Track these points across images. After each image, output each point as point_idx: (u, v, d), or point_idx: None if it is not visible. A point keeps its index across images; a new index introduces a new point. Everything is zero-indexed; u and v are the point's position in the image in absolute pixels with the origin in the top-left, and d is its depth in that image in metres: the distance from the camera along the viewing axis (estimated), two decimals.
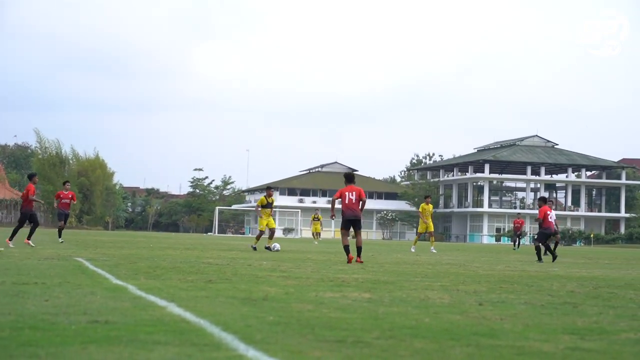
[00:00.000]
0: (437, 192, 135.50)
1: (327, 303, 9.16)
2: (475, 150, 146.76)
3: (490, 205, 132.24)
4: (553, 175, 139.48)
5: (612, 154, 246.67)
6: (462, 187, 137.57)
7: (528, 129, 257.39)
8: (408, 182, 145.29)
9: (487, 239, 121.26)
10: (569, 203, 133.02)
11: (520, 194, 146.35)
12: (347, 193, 20.43)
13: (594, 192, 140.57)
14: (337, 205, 20.71)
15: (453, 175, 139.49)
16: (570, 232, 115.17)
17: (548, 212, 26.55)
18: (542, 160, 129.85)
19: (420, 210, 35.77)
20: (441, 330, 7.16)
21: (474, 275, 16.17)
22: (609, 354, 6.10)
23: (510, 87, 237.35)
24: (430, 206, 35.77)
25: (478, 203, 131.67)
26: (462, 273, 16.80)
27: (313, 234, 55.65)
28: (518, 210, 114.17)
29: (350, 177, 21.13)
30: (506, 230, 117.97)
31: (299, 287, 11.38)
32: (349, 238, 20.43)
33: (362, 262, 19.94)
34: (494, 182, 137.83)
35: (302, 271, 15.50)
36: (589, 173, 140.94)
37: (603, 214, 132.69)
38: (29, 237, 25.59)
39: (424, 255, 28.26)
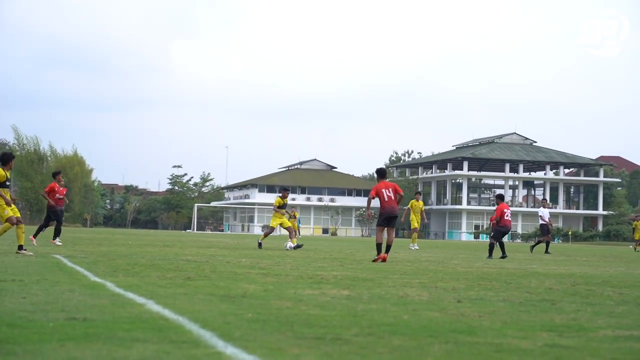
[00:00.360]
0: (416, 189, 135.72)
1: (306, 300, 9.15)
2: (454, 148, 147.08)
3: (468, 203, 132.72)
4: (531, 173, 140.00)
5: (590, 152, 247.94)
6: (440, 184, 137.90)
7: (506, 126, 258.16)
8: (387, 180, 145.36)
9: (465, 236, 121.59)
10: (547, 200, 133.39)
11: (498, 192, 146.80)
12: (384, 190, 20.05)
13: (572, 190, 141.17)
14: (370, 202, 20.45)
15: (432, 173, 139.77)
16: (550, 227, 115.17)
17: (505, 210, 26.59)
18: (521, 158, 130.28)
19: (409, 206, 35.77)
20: (420, 327, 7.17)
21: (453, 272, 16.21)
22: (587, 351, 6.13)
23: (489, 85, 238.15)
24: (421, 202, 35.82)
25: (457, 200, 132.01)
26: (441, 270, 16.83)
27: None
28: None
29: (382, 172, 20.77)
30: (485, 227, 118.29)
31: (277, 284, 11.37)
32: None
33: (386, 258, 19.75)
34: (473, 179, 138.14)
35: (281, 268, 15.49)
36: (567, 170, 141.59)
37: (581, 211, 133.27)
38: (55, 237, 25.45)
39: (403, 253, 28.30)
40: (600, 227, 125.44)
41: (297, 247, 27.55)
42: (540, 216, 35.05)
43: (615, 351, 6.17)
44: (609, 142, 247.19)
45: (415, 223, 35.39)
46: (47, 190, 26.54)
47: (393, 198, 20.02)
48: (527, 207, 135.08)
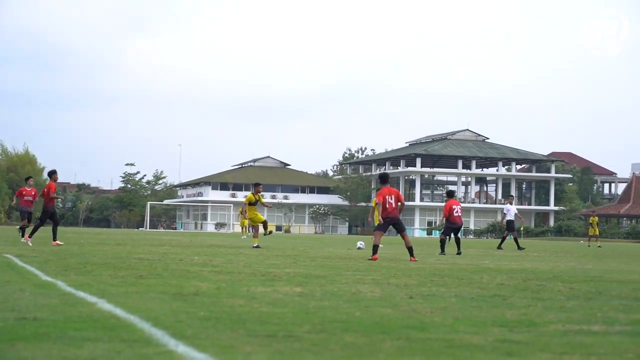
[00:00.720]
0: (370, 186, 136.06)
1: (258, 298, 9.14)
2: (407, 145, 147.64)
3: (421, 199, 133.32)
4: (484, 169, 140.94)
5: (542, 148, 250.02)
6: (394, 180, 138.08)
7: (459, 123, 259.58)
8: (340, 177, 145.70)
9: (419, 232, 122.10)
10: (500, 196, 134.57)
11: (450, 188, 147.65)
12: (387, 197, 20.37)
13: (524, 186, 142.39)
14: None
15: (385, 169, 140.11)
16: (500, 225, 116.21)
17: (454, 207, 26.72)
18: (473, 154, 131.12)
19: (373, 205, 35.66)
20: (372, 323, 7.18)
21: (405, 268, 16.27)
22: (537, 346, 6.17)
23: (441, 82, 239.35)
24: None
25: (410, 197, 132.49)
26: (394, 267, 16.88)
27: (242, 228, 55.36)
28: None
29: (385, 177, 21.15)
30: (437, 223, 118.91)
31: (230, 282, 11.34)
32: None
33: (416, 260, 20.02)
34: (426, 176, 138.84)
35: (234, 266, 15.46)
36: (519, 167, 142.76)
37: (533, 207, 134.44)
38: (54, 239, 25.23)
39: (355, 250, 28.32)
40: (551, 222, 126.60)
41: (257, 247, 27.31)
42: (506, 213, 35.54)
43: (565, 345, 6.22)
44: (561, 139, 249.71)
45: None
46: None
47: (394, 206, 20.36)
48: (479, 203, 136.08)
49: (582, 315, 8.18)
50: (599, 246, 48.56)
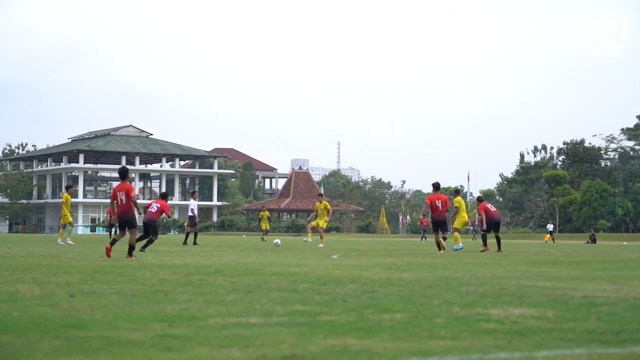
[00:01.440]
0: (31, 183, 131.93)
1: None
2: (70, 141, 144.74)
3: (85, 196, 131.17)
4: (148, 165, 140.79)
5: (205, 144, 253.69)
6: (56, 177, 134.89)
7: (123, 119, 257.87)
8: (0, 173, 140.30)
9: (82, 229, 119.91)
10: (197, 193, 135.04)
11: (116, 184, 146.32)
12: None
13: (187, 181, 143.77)
14: None
15: (47, 166, 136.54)
16: (164, 221, 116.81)
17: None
18: (137, 150, 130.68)
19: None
20: (29, 323, 6.99)
21: (67, 266, 15.95)
22: (197, 340, 6.26)
23: (106, 78, 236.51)
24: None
25: (73, 193, 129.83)
26: (55, 264, 16.50)
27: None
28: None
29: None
30: (101, 220, 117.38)
31: None
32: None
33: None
34: (89, 172, 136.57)
35: None
36: (182, 162, 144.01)
37: (197, 202, 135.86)
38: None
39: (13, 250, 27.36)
40: (215, 217, 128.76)
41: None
42: (192, 209, 35.96)
43: (224, 338, 6.35)
44: (224, 135, 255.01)
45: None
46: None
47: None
48: (144, 199, 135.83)
49: (242, 308, 8.38)
50: (264, 240, 49.76)
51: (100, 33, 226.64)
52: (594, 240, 64.09)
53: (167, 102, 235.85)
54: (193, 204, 36.54)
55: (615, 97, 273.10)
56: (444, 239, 26.28)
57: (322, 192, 73.11)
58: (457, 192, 33.35)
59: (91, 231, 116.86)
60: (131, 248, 20.01)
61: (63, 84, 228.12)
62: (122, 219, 20.18)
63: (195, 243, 34.54)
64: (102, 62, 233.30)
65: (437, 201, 25.84)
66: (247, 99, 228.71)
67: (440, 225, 26.07)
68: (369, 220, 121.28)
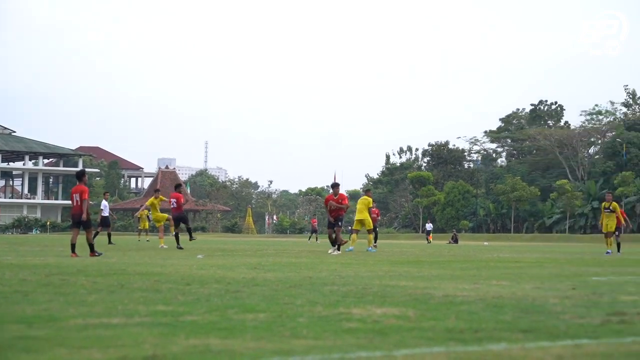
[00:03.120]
0: None
1: None
2: None
3: None
4: (10, 163, 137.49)
5: (70, 142, 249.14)
6: None
7: None
8: None
9: None
10: (26, 191, 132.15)
11: None
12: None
13: (51, 180, 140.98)
14: None
15: None
16: (26, 220, 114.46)
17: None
18: None
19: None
20: None
21: None
22: (56, 341, 6.16)
23: None
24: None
25: None
26: None
27: None
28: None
29: (80, 174, 22.62)
30: None
31: None
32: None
33: None
34: None
35: None
36: (46, 161, 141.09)
37: (60, 201, 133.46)
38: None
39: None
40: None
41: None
42: (103, 209, 36.00)
43: (84, 339, 6.28)
44: (89, 133, 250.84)
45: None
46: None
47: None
48: (5, 198, 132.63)
49: (104, 309, 8.28)
50: (147, 240, 48.70)
51: None
52: (455, 241, 65.59)
53: (32, 100, 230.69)
54: (104, 204, 36.58)
55: (475, 102, 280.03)
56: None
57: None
58: (365, 191, 32.26)
59: None
60: (91, 246, 21.23)
61: None
62: (76, 220, 21.22)
63: (110, 242, 34.88)
64: None
65: (330, 202, 26.39)
66: (114, 96, 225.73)
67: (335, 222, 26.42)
68: (235, 220, 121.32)
